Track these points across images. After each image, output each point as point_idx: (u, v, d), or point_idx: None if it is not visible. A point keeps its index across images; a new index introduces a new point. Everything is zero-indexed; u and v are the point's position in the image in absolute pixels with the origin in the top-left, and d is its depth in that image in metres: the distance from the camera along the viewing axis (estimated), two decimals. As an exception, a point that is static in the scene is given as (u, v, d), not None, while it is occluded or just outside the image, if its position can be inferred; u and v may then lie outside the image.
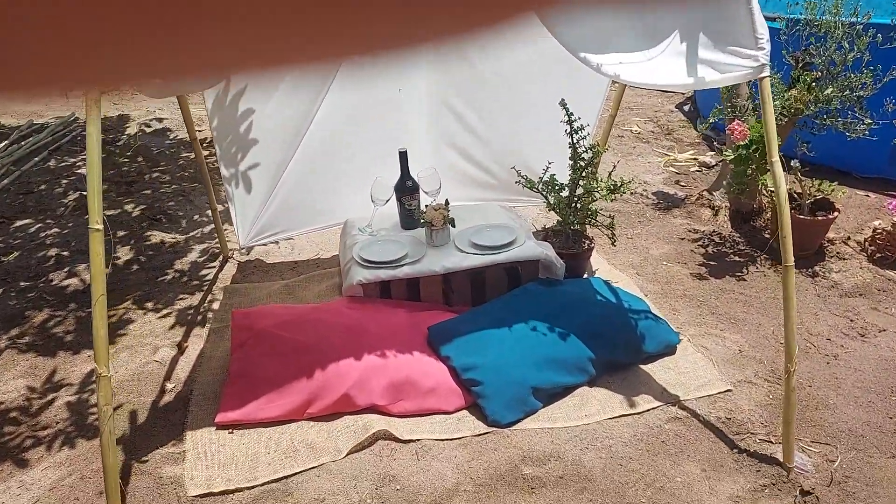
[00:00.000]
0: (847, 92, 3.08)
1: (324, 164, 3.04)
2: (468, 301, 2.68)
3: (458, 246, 2.68)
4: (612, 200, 2.90)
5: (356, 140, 3.01)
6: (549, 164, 3.02)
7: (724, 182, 3.64)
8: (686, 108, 5.83)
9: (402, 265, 2.56)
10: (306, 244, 3.48)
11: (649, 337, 2.52)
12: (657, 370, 2.48)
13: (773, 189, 3.33)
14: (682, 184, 4.31)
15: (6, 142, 4.65)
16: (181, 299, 3.01)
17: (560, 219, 2.97)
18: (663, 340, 2.54)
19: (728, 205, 3.70)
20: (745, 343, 2.65)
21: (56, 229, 3.68)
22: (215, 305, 2.95)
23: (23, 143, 4.65)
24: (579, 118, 2.83)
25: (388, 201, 2.84)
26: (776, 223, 3.39)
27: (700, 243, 3.48)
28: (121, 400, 2.37)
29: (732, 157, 3.09)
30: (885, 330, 2.71)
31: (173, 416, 2.29)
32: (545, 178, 2.95)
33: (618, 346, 2.45)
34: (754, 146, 3.00)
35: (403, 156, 2.79)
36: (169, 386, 2.45)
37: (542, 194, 2.98)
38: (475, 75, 2.98)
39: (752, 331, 2.73)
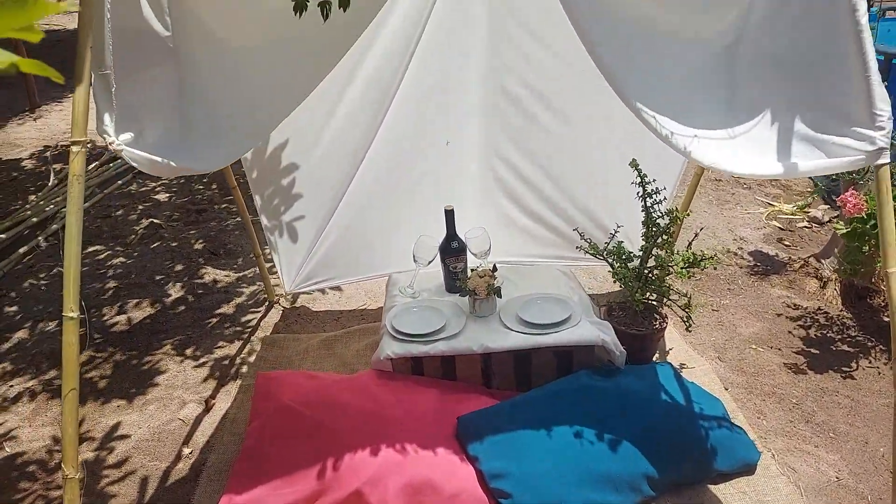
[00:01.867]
0: None
1: (371, 216, 2.86)
2: (511, 384, 2.38)
3: (502, 320, 2.39)
4: (688, 277, 2.50)
5: (403, 193, 2.80)
6: (619, 227, 2.67)
7: (836, 252, 3.10)
8: (798, 148, 5.17)
9: (437, 340, 2.30)
10: (355, 292, 3.31)
11: (722, 451, 2.10)
12: (729, 494, 2.06)
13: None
14: (787, 243, 3.76)
15: (96, 162, 4.86)
16: (220, 347, 2.92)
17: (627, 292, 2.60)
18: (740, 458, 2.12)
19: (839, 276, 3.15)
20: (844, 467, 2.16)
21: (121, 258, 3.74)
22: (252, 358, 2.83)
23: (111, 164, 4.84)
24: (654, 179, 2.47)
25: (431, 262, 2.60)
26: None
27: (801, 323, 2.96)
28: (135, 465, 2.28)
29: (845, 231, 2.59)
30: None
31: (181, 490, 2.16)
32: (612, 245, 2.60)
33: (683, 462, 2.06)
34: (873, 221, 2.49)
35: (450, 214, 2.54)
36: (185, 451, 2.33)
37: (608, 262, 2.63)
38: (533, 124, 2.68)
39: (857, 451, 2.23)
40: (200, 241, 3.92)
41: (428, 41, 2.26)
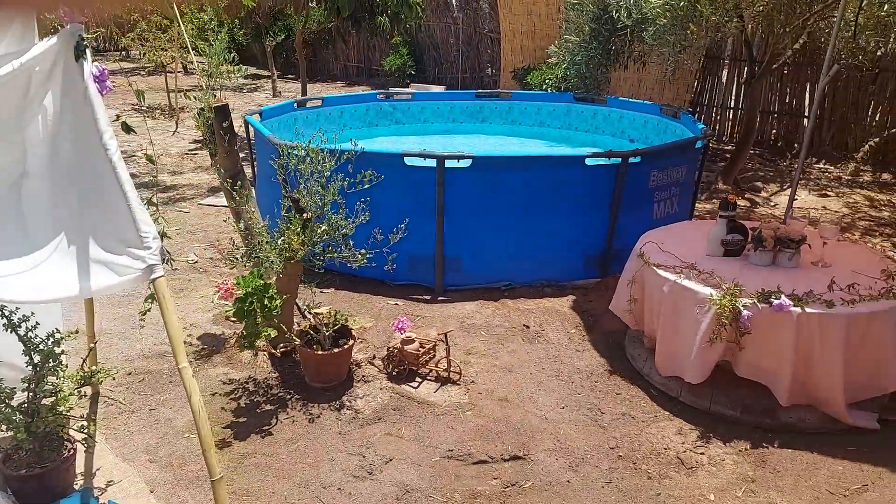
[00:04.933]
0: (335, 231, 3.27)
1: None
2: None
3: None
4: (82, 397, 2.44)
5: None
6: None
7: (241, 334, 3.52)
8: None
9: None
10: None
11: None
12: None
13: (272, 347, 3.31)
14: (233, 319, 4.10)
15: None
16: None
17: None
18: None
19: (239, 347, 3.59)
20: (254, 525, 2.44)
21: None
22: None
23: None
24: (18, 308, 2.32)
25: None
26: (304, 361, 3.38)
27: (233, 396, 3.25)
28: None
29: (234, 310, 2.96)
30: (391, 460, 2.83)
31: None
32: (-12, 387, 2.34)
33: None
34: (249, 299, 2.93)
35: None
36: None
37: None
38: None
39: (265, 504, 2.55)
40: None
41: None
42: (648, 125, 6.47)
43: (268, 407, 3.17)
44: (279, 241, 3.17)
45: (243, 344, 3.02)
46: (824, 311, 2.80)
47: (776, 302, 2.82)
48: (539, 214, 4.40)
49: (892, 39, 6.38)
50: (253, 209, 3.57)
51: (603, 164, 4.38)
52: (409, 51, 12.90)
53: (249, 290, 2.88)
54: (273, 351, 3.44)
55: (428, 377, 3.46)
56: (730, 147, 8.45)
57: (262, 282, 2.93)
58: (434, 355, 3.55)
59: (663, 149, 4.60)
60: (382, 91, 7.79)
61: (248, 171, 6.23)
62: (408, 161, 4.22)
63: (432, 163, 4.19)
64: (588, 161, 4.31)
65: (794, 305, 2.82)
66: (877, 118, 7.87)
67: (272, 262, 3.08)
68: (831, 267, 3.23)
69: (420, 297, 4.41)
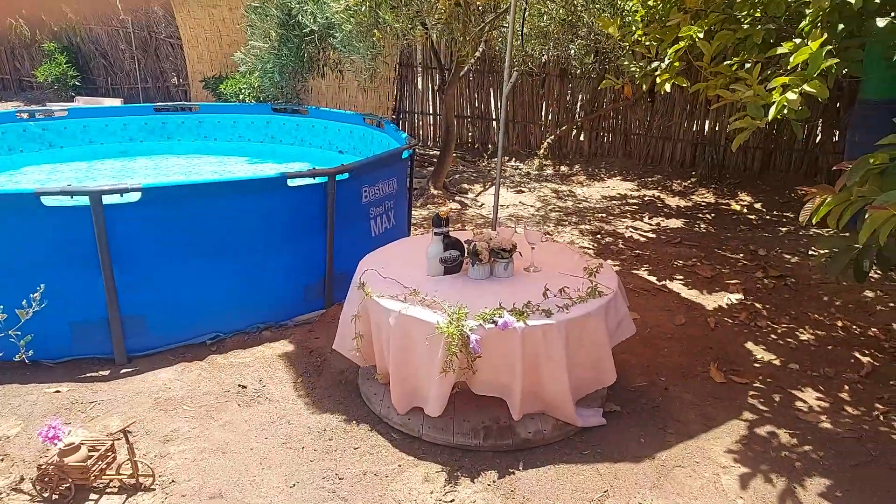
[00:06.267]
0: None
1: None
2: None
3: None
4: None
5: None
6: None
7: None
8: None
9: None
10: None
11: None
12: None
13: None
14: None
15: None
16: None
17: None
18: None
19: None
20: None
21: None
22: None
23: None
24: None
25: None
26: None
27: None
28: None
29: None
30: None
31: None
32: None
33: None
34: None
35: None
36: None
37: None
38: None
39: None
40: None
41: None
42: (354, 135, 6.22)
43: None
44: None
45: None
46: (545, 322, 2.74)
47: (501, 321, 2.67)
48: (243, 248, 3.74)
49: (551, 46, 7.15)
50: None
51: (310, 185, 3.90)
52: (69, 58, 10.76)
53: None
54: None
55: (108, 490, 2.58)
56: (435, 151, 8.75)
57: None
58: (114, 457, 2.67)
59: (371, 162, 4.31)
60: (24, 109, 6.17)
61: None
62: (46, 202, 3.18)
63: (85, 200, 3.21)
64: (291, 182, 3.79)
65: (518, 321, 2.70)
66: (549, 117, 8.89)
67: None
68: (541, 271, 3.24)
69: (95, 373, 3.40)
